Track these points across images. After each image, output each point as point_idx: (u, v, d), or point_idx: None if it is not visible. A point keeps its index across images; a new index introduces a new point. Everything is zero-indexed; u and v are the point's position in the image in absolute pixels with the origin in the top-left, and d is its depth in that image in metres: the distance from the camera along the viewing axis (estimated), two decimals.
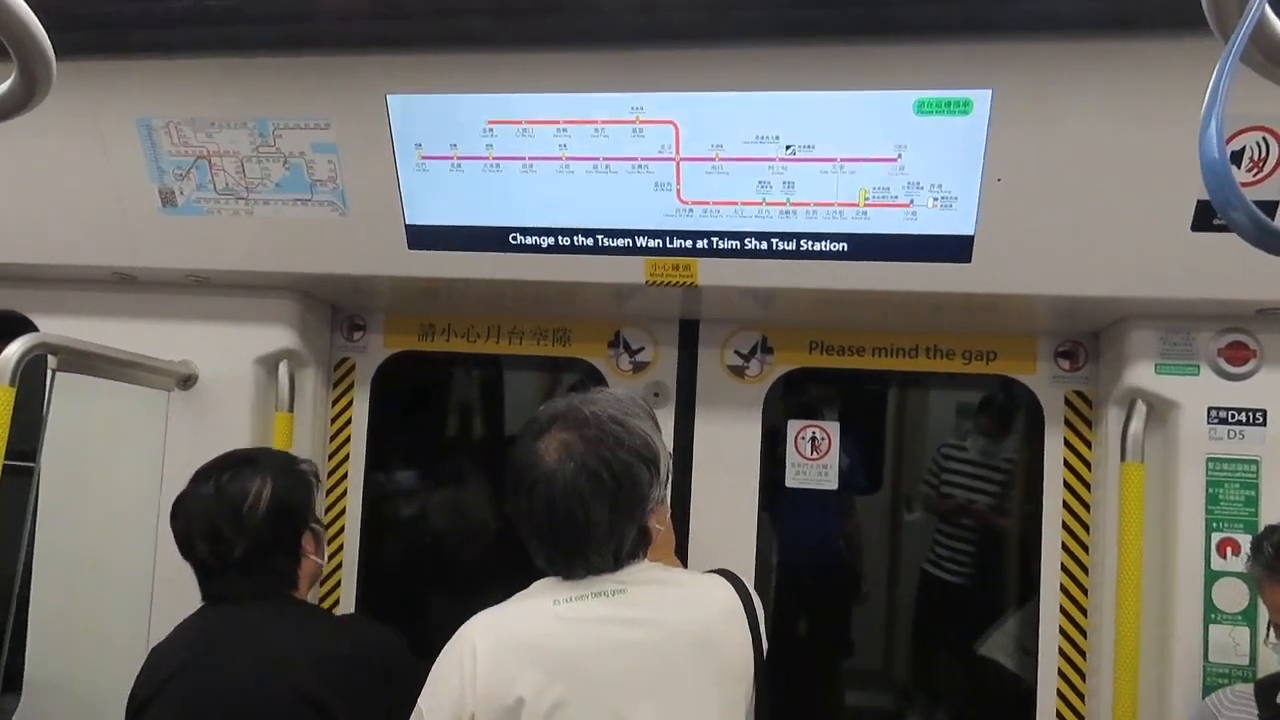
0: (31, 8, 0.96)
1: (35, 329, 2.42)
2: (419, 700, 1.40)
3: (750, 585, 1.54)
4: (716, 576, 1.54)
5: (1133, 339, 2.09)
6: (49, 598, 2.53)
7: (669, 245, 2.02)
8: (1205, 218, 1.79)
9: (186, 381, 2.45)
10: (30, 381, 1.92)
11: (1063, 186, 1.83)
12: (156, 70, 2.06)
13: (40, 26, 0.98)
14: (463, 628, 1.44)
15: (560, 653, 1.36)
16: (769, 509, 2.50)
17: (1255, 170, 1.74)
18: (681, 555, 2.29)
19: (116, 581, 2.49)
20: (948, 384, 2.73)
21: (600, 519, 1.39)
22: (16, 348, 1.87)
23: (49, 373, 2.03)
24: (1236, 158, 1.75)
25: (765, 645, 1.50)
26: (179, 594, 2.35)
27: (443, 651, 1.42)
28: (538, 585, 1.47)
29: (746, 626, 1.46)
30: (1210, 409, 2.03)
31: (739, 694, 1.43)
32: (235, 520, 1.72)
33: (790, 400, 2.56)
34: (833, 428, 2.43)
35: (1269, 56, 0.79)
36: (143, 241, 2.29)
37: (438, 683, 1.39)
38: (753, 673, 1.45)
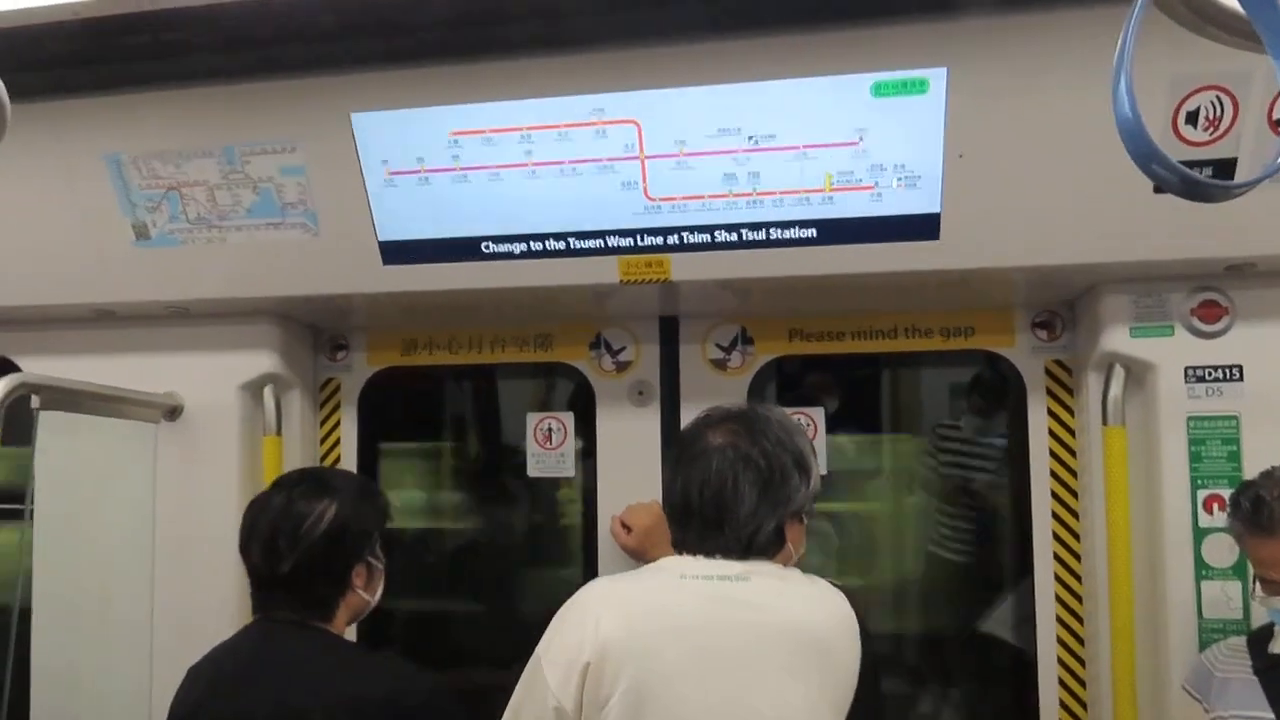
0: None
1: (19, 370, 2.42)
2: (538, 647, 1.45)
3: None
4: (833, 588, 1.58)
5: (1106, 304, 2.10)
6: (50, 643, 2.53)
7: (640, 243, 2.04)
8: None
9: (173, 413, 2.45)
10: (16, 423, 1.93)
11: (1024, 158, 1.85)
12: (120, 106, 2.08)
13: None
14: (587, 587, 1.51)
15: (682, 626, 1.41)
16: None
17: (1211, 129, 1.76)
18: None
19: (116, 622, 2.48)
20: (936, 363, 2.74)
21: (746, 499, 1.48)
22: None
23: (34, 413, 2.04)
24: (1193, 118, 1.77)
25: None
26: (179, 634, 2.38)
27: (564, 606, 1.49)
28: (666, 560, 1.55)
29: (858, 639, 1.51)
30: (1187, 368, 2.05)
31: (843, 696, 1.47)
32: (293, 535, 1.70)
33: (777, 390, 2.57)
34: (818, 413, 2.45)
35: (1194, 9, 0.80)
36: (119, 276, 2.30)
37: (558, 634, 1.44)
38: (856, 684, 1.49)
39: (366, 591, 1.79)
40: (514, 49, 1.89)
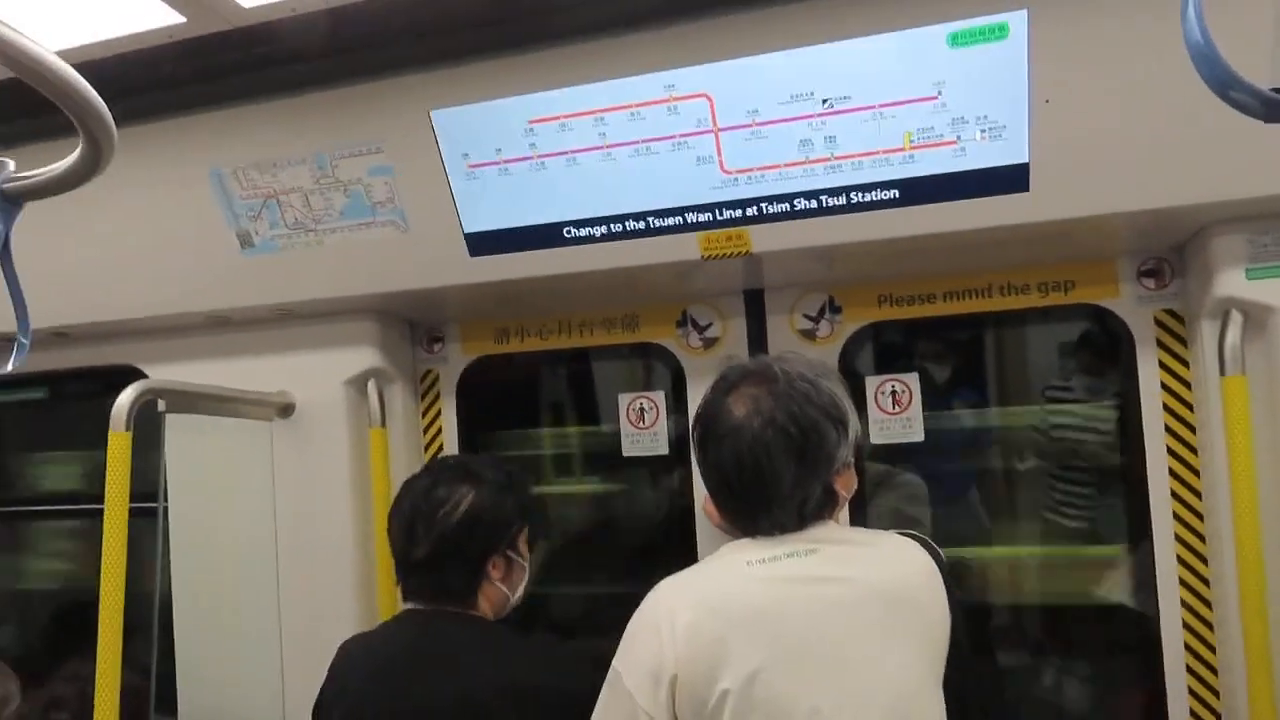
0: (93, 77, 1.04)
1: (146, 377, 2.59)
2: (614, 661, 1.40)
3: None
4: (907, 539, 1.51)
5: (1217, 246, 1.98)
6: (190, 635, 2.68)
7: (719, 217, 2.03)
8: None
9: (285, 410, 2.58)
10: (146, 426, 2.08)
11: (1117, 98, 1.76)
12: (218, 121, 2.19)
13: (99, 98, 1.06)
14: (654, 592, 1.44)
15: (760, 613, 1.35)
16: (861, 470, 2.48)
17: None
18: None
19: (247, 613, 2.63)
20: (1038, 321, 2.64)
21: (786, 473, 1.40)
22: (128, 395, 2.03)
23: (161, 416, 2.19)
24: None
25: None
26: (305, 622, 2.51)
27: (635, 616, 1.42)
28: (726, 548, 1.47)
29: (943, 589, 1.44)
30: None
31: (938, 653, 1.41)
32: (429, 521, 1.72)
33: (874, 356, 2.53)
34: (912, 379, 2.39)
35: None
36: (229, 283, 2.44)
37: (635, 645, 1.39)
38: (949, 637, 1.43)
39: (505, 584, 1.76)
40: (582, 33, 1.91)
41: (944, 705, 1.40)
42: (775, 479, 1.40)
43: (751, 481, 1.41)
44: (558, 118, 2.02)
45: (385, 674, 1.68)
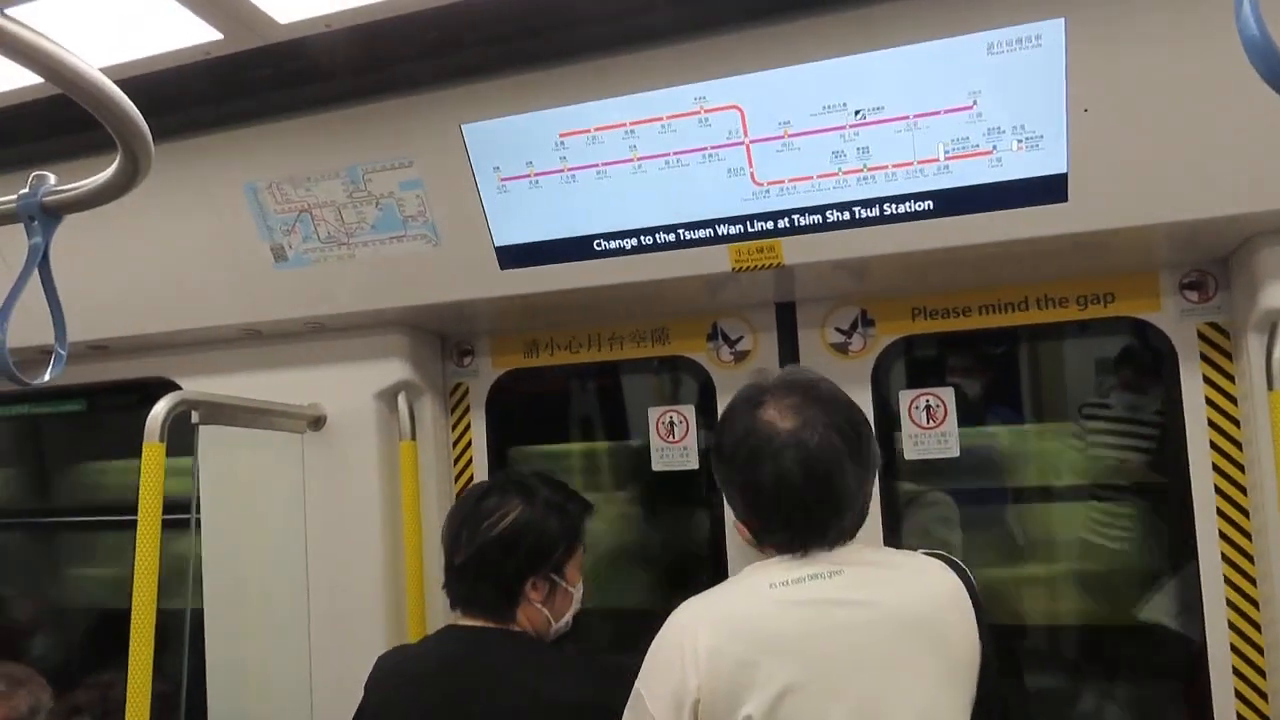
0: (131, 92, 1.05)
1: (180, 389, 2.62)
2: (636, 683, 1.38)
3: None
4: (934, 560, 1.48)
5: (1264, 258, 1.93)
6: (221, 642, 2.70)
7: (750, 229, 2.02)
8: None
9: (317, 423, 2.60)
10: (179, 438, 2.09)
11: (1159, 106, 1.72)
12: (253, 137, 2.22)
13: (137, 112, 1.07)
14: (676, 614, 1.42)
15: (784, 636, 1.33)
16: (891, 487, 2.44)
17: None
18: None
19: (277, 620, 2.63)
20: (1078, 335, 2.59)
21: (854, 479, 1.39)
22: (162, 406, 2.04)
23: (195, 427, 2.21)
24: None
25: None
26: (332, 630, 2.51)
27: (658, 638, 1.40)
28: (750, 569, 1.45)
29: (972, 612, 1.41)
30: None
31: (965, 678, 1.38)
32: (473, 530, 1.72)
33: (907, 370, 2.49)
34: (947, 393, 2.35)
35: None
36: (262, 297, 2.46)
37: (657, 667, 1.37)
38: (979, 661, 1.40)
39: (546, 607, 1.73)
40: (612, 46, 1.91)
41: None
42: (843, 485, 1.38)
43: (822, 492, 1.37)
44: (588, 130, 2.01)
45: (430, 688, 1.67)
